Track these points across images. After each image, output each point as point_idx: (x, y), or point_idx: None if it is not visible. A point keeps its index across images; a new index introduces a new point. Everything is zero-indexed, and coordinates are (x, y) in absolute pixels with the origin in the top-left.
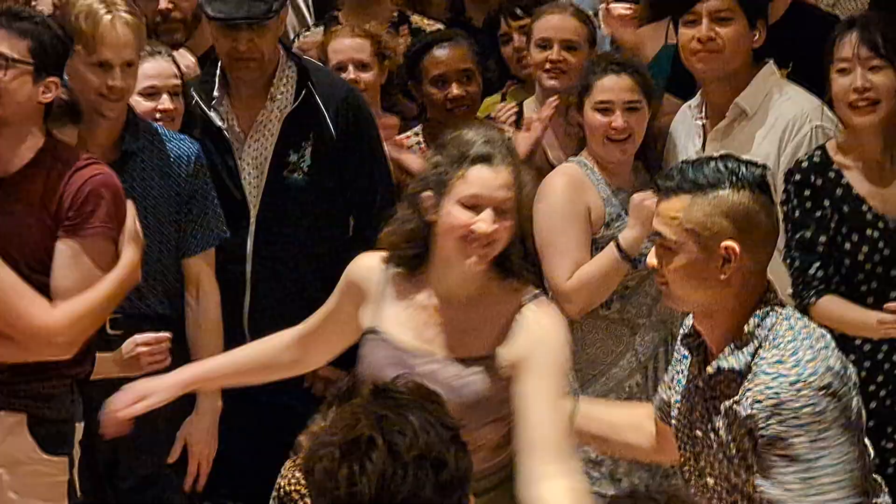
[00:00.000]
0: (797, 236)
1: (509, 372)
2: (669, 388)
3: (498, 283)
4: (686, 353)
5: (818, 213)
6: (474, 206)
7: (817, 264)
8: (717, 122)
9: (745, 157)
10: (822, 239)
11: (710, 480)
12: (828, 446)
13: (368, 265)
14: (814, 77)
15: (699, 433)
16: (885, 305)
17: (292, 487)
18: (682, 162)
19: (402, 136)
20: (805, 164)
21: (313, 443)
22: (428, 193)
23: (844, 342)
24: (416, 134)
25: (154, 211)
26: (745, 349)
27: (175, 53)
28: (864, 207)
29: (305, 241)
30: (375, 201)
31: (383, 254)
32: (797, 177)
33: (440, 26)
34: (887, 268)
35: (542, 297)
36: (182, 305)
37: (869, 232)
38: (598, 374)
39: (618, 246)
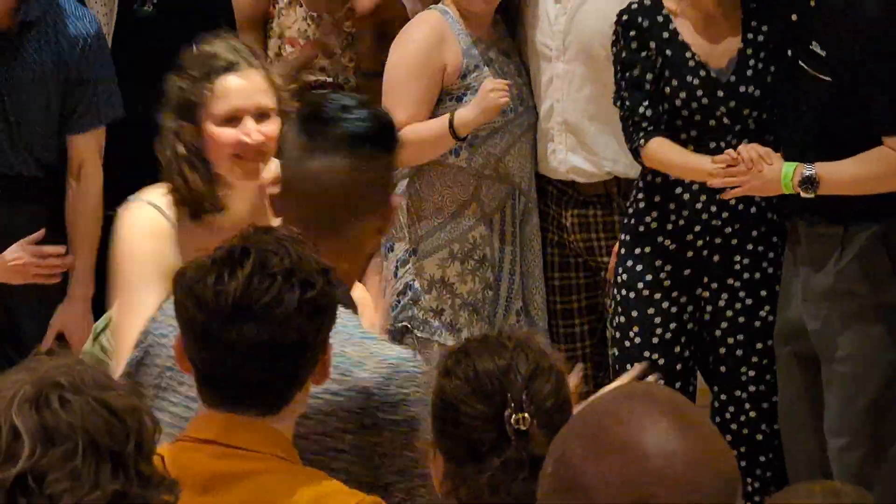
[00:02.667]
0: (626, 75)
1: None
2: None
3: None
4: None
5: (643, 54)
6: (233, 119)
7: (646, 103)
8: None
9: None
10: (649, 77)
11: None
12: None
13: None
14: None
15: None
16: (713, 158)
17: None
18: None
19: None
20: (635, 6)
21: (186, 262)
22: (184, 124)
23: (665, 190)
24: None
25: (42, 84)
26: None
27: None
28: (688, 54)
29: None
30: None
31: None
32: (624, 17)
33: None
34: (705, 116)
35: None
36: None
37: (689, 79)
38: (443, 223)
39: (451, 121)
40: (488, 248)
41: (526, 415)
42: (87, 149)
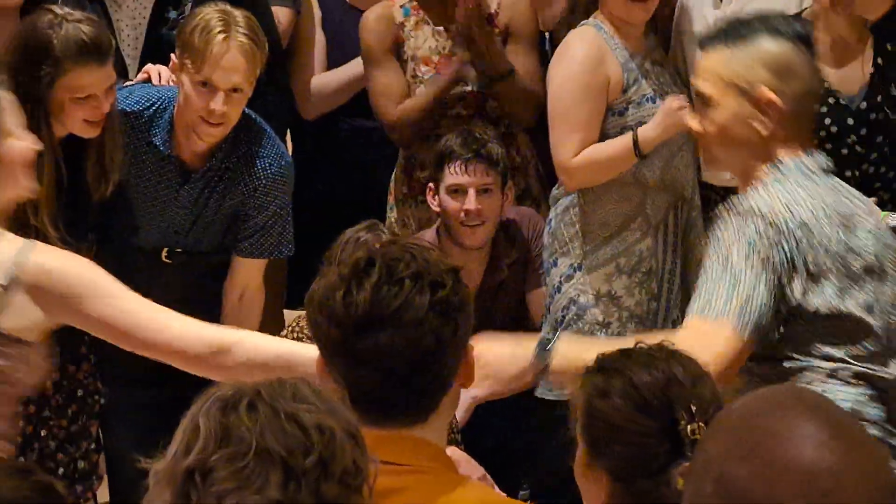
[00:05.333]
0: None
1: None
2: None
3: None
4: None
5: None
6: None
7: None
8: None
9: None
10: None
11: None
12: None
13: None
14: None
15: None
16: None
17: (295, 335)
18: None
19: None
20: None
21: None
22: None
23: None
24: None
25: (220, 223)
26: None
27: None
28: None
29: None
30: None
31: None
32: None
33: None
34: (836, 145)
35: None
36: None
37: (816, 106)
38: (609, 237)
39: (634, 139)
40: (654, 260)
41: (701, 423)
42: (251, 274)
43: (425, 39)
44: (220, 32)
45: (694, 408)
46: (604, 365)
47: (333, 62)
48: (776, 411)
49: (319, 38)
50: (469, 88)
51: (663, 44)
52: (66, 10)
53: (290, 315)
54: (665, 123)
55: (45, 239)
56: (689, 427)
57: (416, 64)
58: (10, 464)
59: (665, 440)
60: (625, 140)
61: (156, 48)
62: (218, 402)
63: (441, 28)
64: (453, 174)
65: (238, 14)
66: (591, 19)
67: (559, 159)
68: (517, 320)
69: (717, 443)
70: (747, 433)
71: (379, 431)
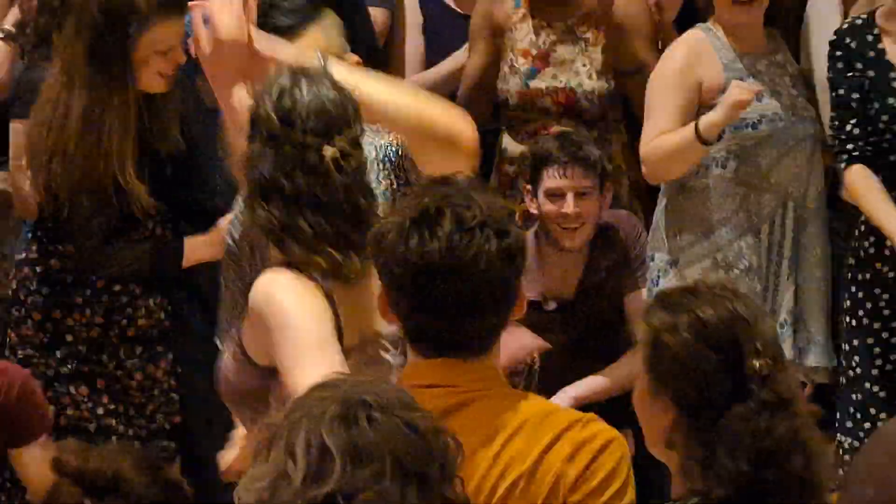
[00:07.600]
0: (833, 96)
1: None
2: None
3: None
4: None
5: (849, 74)
6: None
7: (853, 121)
8: None
9: None
10: (855, 96)
11: None
12: None
13: None
14: None
15: None
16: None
17: None
18: None
19: None
20: (845, 26)
21: (381, 223)
22: None
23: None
24: None
25: None
26: None
27: None
28: (892, 74)
29: None
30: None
31: None
32: (834, 38)
33: None
34: None
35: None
36: None
37: (891, 101)
38: (705, 232)
39: (696, 126)
40: (755, 258)
41: (767, 359)
42: None
43: (527, 33)
44: None
45: (759, 345)
46: (669, 301)
47: (431, 66)
48: None
49: (419, 42)
50: (561, 85)
51: (792, 47)
52: None
53: None
54: (727, 105)
55: (138, 199)
56: (756, 363)
57: (514, 56)
58: (141, 456)
59: (729, 375)
60: (688, 129)
61: None
62: (335, 419)
63: (544, 24)
64: (551, 178)
65: None
66: (703, 23)
67: (640, 149)
68: (614, 323)
69: (881, 451)
70: None
71: (443, 359)
